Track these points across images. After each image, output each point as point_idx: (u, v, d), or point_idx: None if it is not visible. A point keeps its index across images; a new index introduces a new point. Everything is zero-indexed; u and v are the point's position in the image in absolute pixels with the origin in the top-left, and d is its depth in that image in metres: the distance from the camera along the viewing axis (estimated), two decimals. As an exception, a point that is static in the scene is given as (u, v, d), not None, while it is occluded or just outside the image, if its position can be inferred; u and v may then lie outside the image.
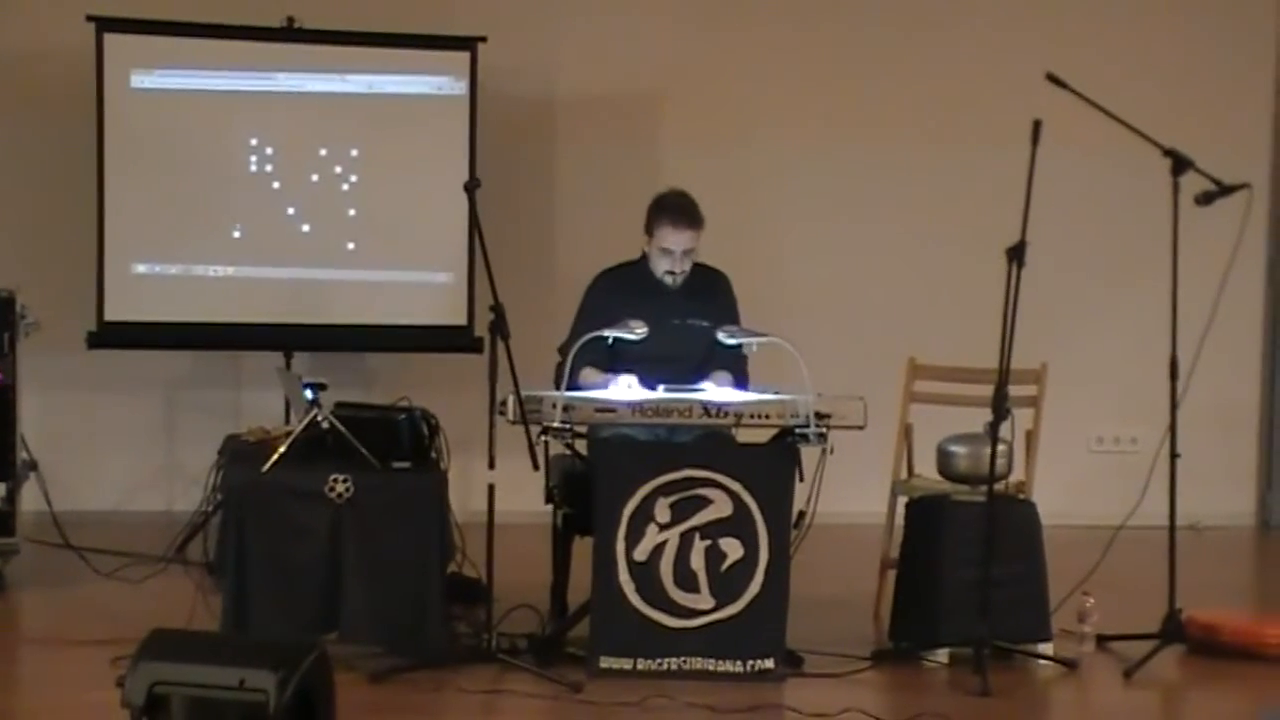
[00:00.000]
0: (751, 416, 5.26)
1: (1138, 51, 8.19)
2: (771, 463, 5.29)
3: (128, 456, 7.72)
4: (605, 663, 5.14)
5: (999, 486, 5.41)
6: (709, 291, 5.78)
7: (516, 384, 5.11)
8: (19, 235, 7.52)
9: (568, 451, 5.42)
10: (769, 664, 5.16)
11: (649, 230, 5.70)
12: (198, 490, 6.47)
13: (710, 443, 5.46)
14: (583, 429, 5.36)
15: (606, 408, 5.24)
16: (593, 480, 5.28)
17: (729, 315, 5.74)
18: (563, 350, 5.60)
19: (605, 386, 5.38)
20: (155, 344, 7.31)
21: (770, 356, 5.61)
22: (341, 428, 5.28)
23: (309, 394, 5.36)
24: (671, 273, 5.66)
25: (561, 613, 5.66)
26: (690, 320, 5.67)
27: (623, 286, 5.73)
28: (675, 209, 5.67)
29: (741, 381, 5.65)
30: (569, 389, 5.23)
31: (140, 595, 5.94)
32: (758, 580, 5.19)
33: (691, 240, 5.65)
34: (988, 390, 5.30)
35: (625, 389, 5.32)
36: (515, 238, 7.39)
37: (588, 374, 5.50)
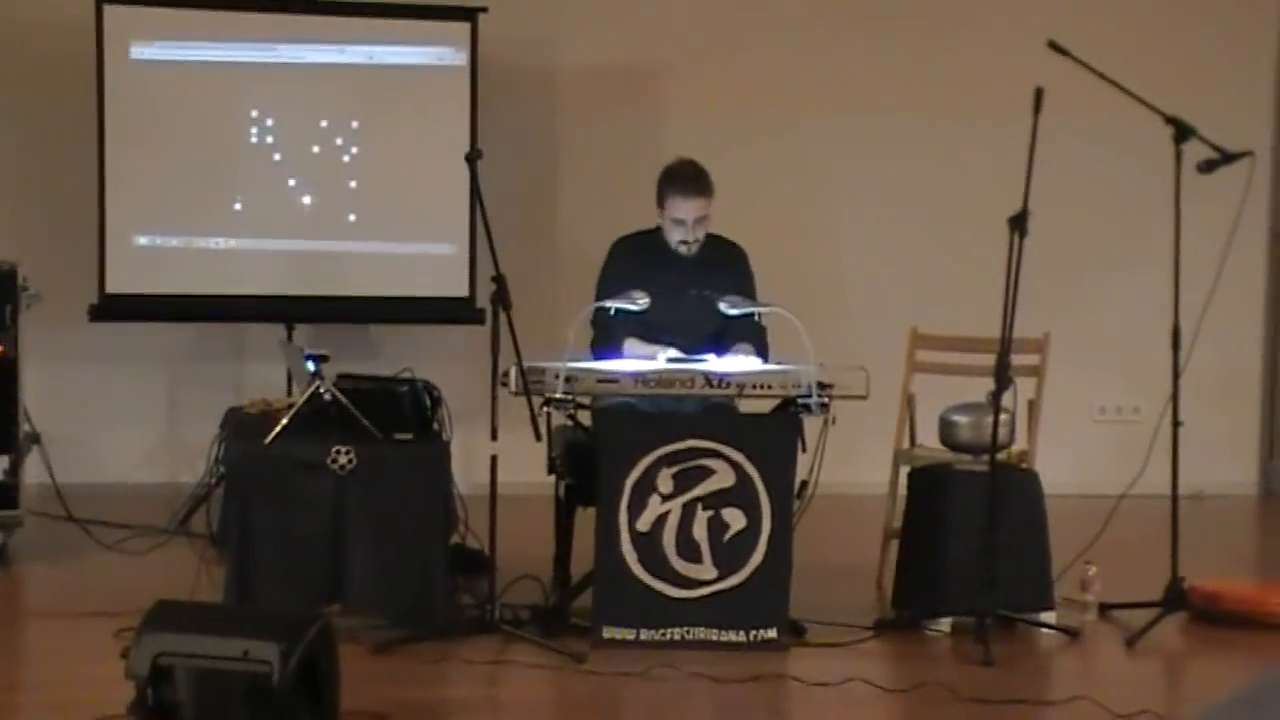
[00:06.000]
0: (754, 387, 5.26)
1: (1140, 20, 8.16)
2: (774, 433, 5.29)
3: (130, 429, 7.72)
4: (608, 633, 5.15)
5: (1001, 456, 5.41)
6: (726, 264, 5.74)
7: (519, 355, 5.10)
8: (20, 208, 7.52)
9: (570, 422, 5.42)
10: (772, 634, 5.17)
11: (660, 202, 5.68)
12: (200, 462, 6.46)
13: (713, 413, 5.45)
14: (585, 400, 5.36)
15: (609, 379, 5.23)
16: (595, 451, 5.28)
17: (744, 289, 5.70)
18: (594, 320, 5.59)
19: (653, 357, 5.36)
20: (157, 316, 7.32)
21: (773, 327, 5.62)
22: (344, 399, 5.27)
23: (311, 366, 5.35)
24: (685, 242, 5.64)
25: (564, 584, 5.66)
26: (705, 292, 5.63)
27: (638, 255, 5.70)
28: (683, 178, 5.65)
29: (763, 353, 5.62)
30: (606, 356, 5.26)
31: (144, 567, 5.94)
32: (760, 550, 5.19)
33: (702, 208, 5.63)
34: (990, 360, 5.30)
35: (664, 360, 5.32)
36: (517, 209, 7.38)
37: (632, 344, 5.50)
